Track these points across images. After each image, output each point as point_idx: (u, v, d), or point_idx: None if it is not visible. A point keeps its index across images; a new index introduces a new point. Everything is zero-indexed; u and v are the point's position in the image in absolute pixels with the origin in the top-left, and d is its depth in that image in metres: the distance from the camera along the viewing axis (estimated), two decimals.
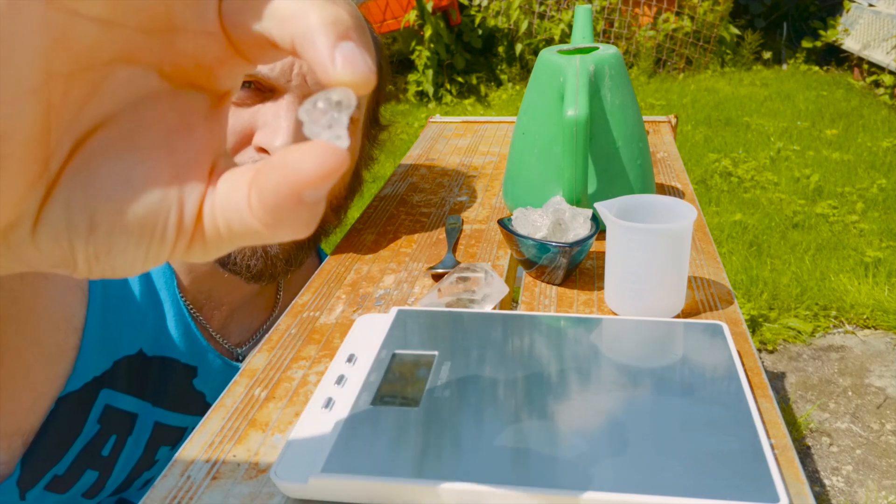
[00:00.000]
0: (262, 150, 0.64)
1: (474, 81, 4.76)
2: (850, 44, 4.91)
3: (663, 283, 0.57)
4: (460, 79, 4.74)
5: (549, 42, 4.77)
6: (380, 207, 0.87)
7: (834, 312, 2.22)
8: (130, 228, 0.23)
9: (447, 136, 1.16)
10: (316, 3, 0.22)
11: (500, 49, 4.88)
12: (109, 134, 0.24)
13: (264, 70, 0.62)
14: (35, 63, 0.20)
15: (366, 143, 0.79)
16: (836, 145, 3.59)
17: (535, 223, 0.65)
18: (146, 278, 0.67)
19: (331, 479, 0.39)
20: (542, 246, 0.63)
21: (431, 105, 4.58)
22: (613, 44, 4.50)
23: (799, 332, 2.14)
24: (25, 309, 0.57)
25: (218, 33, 0.24)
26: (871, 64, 4.60)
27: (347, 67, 0.22)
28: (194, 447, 0.46)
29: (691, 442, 0.40)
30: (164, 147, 0.24)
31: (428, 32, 4.49)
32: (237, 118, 0.64)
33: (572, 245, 0.62)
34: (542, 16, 4.86)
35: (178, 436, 0.72)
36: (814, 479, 1.60)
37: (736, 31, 5.06)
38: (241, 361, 0.77)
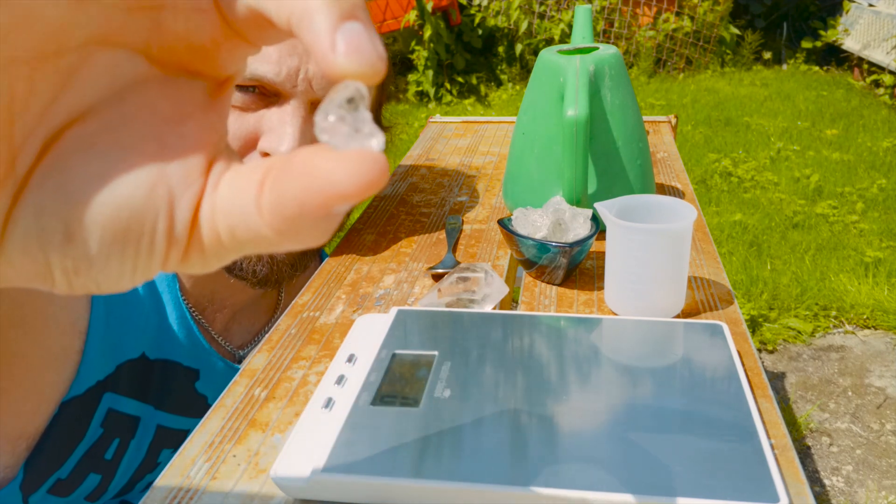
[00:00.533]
0: (267, 156, 0.64)
1: (474, 81, 4.76)
2: (850, 44, 4.91)
3: (663, 283, 0.57)
4: (460, 79, 4.74)
5: (549, 42, 4.77)
6: (380, 207, 0.87)
7: (834, 312, 2.22)
8: (112, 238, 0.20)
9: (447, 136, 1.16)
10: None
11: (500, 49, 4.88)
12: (88, 128, 0.21)
13: (269, 74, 0.62)
14: None
15: None
16: (836, 145, 3.59)
17: (535, 223, 0.65)
18: (148, 281, 0.67)
19: (331, 478, 0.39)
20: (542, 246, 0.63)
21: (431, 105, 4.58)
22: (613, 44, 4.50)
23: (799, 332, 2.14)
24: (31, 312, 0.57)
25: (211, 10, 0.21)
26: (871, 64, 4.60)
27: (352, 54, 0.18)
28: (194, 447, 0.46)
29: (691, 442, 0.40)
30: (152, 142, 0.21)
31: (428, 32, 4.49)
32: (241, 123, 0.63)
33: (572, 245, 0.62)
34: (542, 16, 4.86)
35: (180, 439, 0.72)
36: (814, 479, 1.60)
37: (736, 31, 5.06)
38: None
